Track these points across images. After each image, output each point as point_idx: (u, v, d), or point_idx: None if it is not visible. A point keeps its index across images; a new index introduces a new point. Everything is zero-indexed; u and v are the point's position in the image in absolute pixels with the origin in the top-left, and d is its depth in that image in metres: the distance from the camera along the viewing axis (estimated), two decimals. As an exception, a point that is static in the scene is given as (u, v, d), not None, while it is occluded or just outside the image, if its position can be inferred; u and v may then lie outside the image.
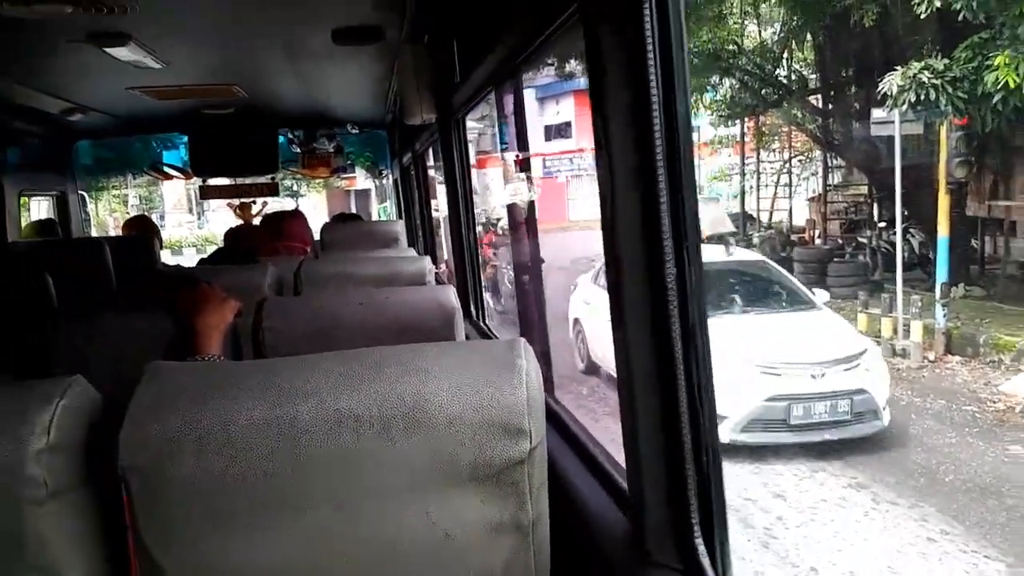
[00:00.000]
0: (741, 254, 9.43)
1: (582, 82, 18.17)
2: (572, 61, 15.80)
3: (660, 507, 1.06)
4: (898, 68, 8.62)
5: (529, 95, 36.22)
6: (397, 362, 0.88)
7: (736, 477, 5.88)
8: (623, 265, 1.04)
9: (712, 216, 20.12)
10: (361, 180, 13.16)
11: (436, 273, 3.11)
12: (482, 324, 3.08)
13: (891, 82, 8.52)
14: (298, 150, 5.59)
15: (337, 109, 4.92)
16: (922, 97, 8.43)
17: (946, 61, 8.37)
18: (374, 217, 13.09)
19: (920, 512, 5.32)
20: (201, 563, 0.84)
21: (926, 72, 8.32)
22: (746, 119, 17.49)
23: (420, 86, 2.65)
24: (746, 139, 19.08)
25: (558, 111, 34.53)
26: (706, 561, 0.99)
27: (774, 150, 18.97)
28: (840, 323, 8.02)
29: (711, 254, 8.49)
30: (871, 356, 6.88)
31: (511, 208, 3.21)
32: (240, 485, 0.82)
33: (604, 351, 7.68)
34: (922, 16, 8.00)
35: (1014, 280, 12.03)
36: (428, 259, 2.47)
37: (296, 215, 3.84)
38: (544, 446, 0.87)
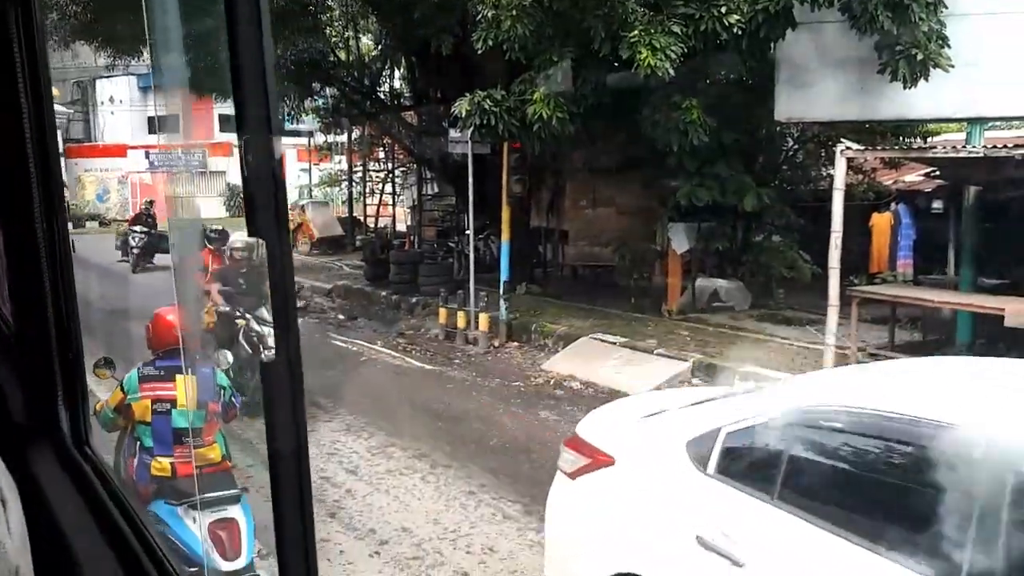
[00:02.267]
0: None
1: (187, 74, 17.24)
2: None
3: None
4: (467, 95, 9.82)
5: (130, 83, 32.84)
6: None
7: None
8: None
9: (323, 219, 20.65)
10: None
11: None
12: None
13: (461, 107, 9.72)
14: None
15: None
16: (485, 121, 9.73)
17: (503, 92, 9.81)
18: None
19: (467, 472, 6.29)
20: None
21: (487, 100, 9.65)
22: (353, 128, 18.32)
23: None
24: (356, 147, 19.98)
25: (166, 103, 32.14)
26: (64, 422, 1.39)
27: (380, 160, 20.16)
28: None
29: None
30: None
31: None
32: None
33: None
34: (479, 52, 9.30)
35: (563, 279, 14.53)
36: None
37: None
38: None
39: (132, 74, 26.82)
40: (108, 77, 28.74)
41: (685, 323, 10.95)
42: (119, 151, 32.53)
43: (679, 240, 11.45)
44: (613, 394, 8.45)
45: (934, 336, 9.54)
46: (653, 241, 12.30)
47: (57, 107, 28.70)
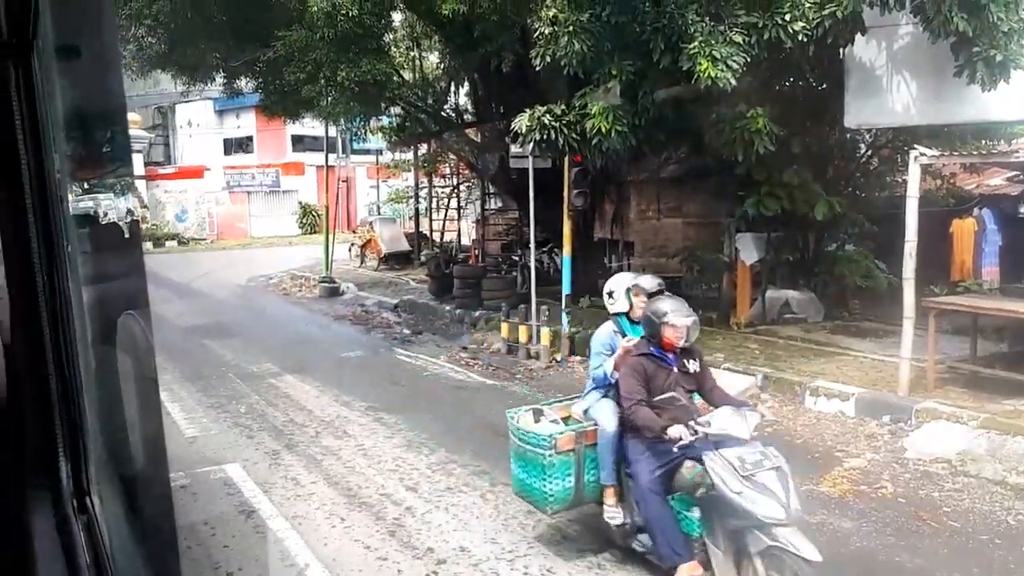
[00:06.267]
0: None
1: (259, 97, 17.73)
2: (243, 78, 15.53)
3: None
4: (527, 110, 9.83)
5: (207, 107, 34.13)
6: None
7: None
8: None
9: (390, 235, 20.99)
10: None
11: None
12: None
13: (521, 122, 9.73)
14: None
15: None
16: (546, 136, 9.71)
17: (563, 107, 9.79)
18: None
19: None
20: None
21: (547, 115, 9.63)
22: (419, 145, 18.58)
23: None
24: (422, 164, 20.27)
25: (239, 125, 33.36)
26: (64, 474, 1.36)
27: (445, 176, 20.39)
28: None
29: None
30: None
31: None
32: None
33: None
34: (538, 68, 9.31)
35: (628, 292, 14.33)
36: None
37: None
38: None
39: (209, 98, 27.85)
40: (187, 102, 29.93)
41: (755, 336, 10.67)
42: (196, 173, 33.85)
43: (748, 251, 11.18)
44: (677, 410, 8.29)
45: (1021, 347, 9.02)
46: (721, 252, 12.05)
47: (138, 132, 30.03)
